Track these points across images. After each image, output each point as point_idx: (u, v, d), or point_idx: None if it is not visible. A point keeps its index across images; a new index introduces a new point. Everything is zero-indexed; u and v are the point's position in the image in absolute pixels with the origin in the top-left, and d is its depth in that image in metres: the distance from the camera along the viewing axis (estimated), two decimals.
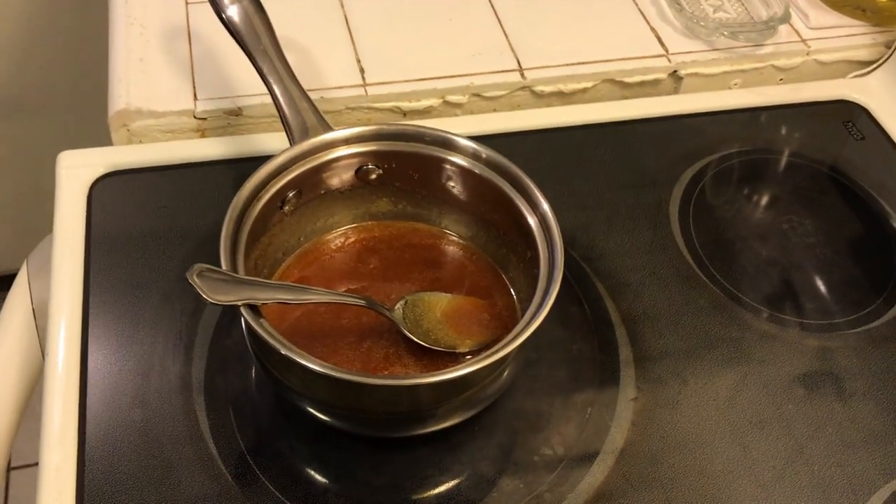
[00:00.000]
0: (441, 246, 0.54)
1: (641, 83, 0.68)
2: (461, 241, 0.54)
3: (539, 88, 0.67)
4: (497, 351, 0.42)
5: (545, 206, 0.47)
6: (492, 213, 0.51)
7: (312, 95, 0.53)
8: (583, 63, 0.67)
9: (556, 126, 0.65)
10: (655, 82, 0.69)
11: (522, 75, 0.66)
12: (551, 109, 0.67)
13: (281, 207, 0.50)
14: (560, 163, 0.63)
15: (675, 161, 0.64)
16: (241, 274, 0.44)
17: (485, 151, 0.50)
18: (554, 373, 0.52)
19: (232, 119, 0.62)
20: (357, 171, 0.52)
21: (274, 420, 0.49)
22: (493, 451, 0.48)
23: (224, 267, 0.44)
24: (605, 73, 0.67)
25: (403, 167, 0.52)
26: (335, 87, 0.63)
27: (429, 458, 0.47)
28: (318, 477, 0.47)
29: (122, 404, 0.48)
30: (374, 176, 0.52)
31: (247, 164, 0.57)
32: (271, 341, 0.42)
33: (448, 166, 0.51)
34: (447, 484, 0.47)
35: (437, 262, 0.54)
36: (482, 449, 0.48)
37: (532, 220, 0.48)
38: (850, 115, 0.69)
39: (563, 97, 0.68)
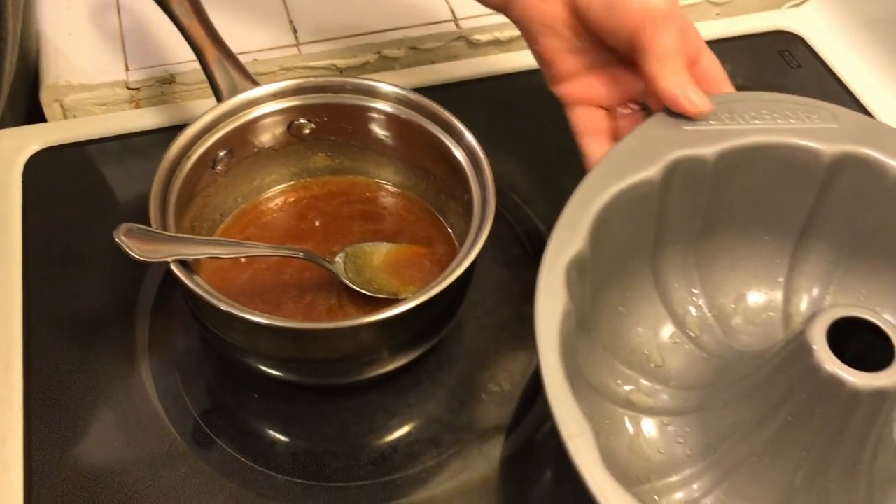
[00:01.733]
0: (380, 198, 0.54)
1: None
2: (400, 191, 0.54)
3: (475, 38, 0.67)
4: (432, 287, 0.42)
5: (469, 137, 0.47)
6: (426, 160, 0.51)
7: (244, 59, 0.52)
8: None
9: (494, 74, 0.65)
10: None
11: (457, 25, 0.66)
12: (489, 58, 0.67)
13: (213, 167, 0.50)
14: (501, 111, 0.63)
15: None
16: (173, 233, 0.44)
17: (406, 94, 0.49)
18: (498, 312, 0.52)
19: (165, 87, 0.62)
20: (289, 127, 0.51)
21: (220, 379, 0.49)
22: (441, 392, 0.49)
23: (154, 226, 0.43)
24: None
25: (336, 120, 0.52)
26: (267, 49, 0.63)
27: (376, 402, 0.48)
28: (269, 430, 0.47)
29: (66, 372, 0.48)
30: (307, 131, 0.52)
31: None
32: (205, 296, 0.41)
33: (375, 115, 0.51)
34: (397, 428, 0.48)
35: (378, 214, 0.54)
36: (429, 390, 0.49)
37: (460, 154, 0.48)
38: (786, 45, 0.69)
39: (501, 45, 0.68)
